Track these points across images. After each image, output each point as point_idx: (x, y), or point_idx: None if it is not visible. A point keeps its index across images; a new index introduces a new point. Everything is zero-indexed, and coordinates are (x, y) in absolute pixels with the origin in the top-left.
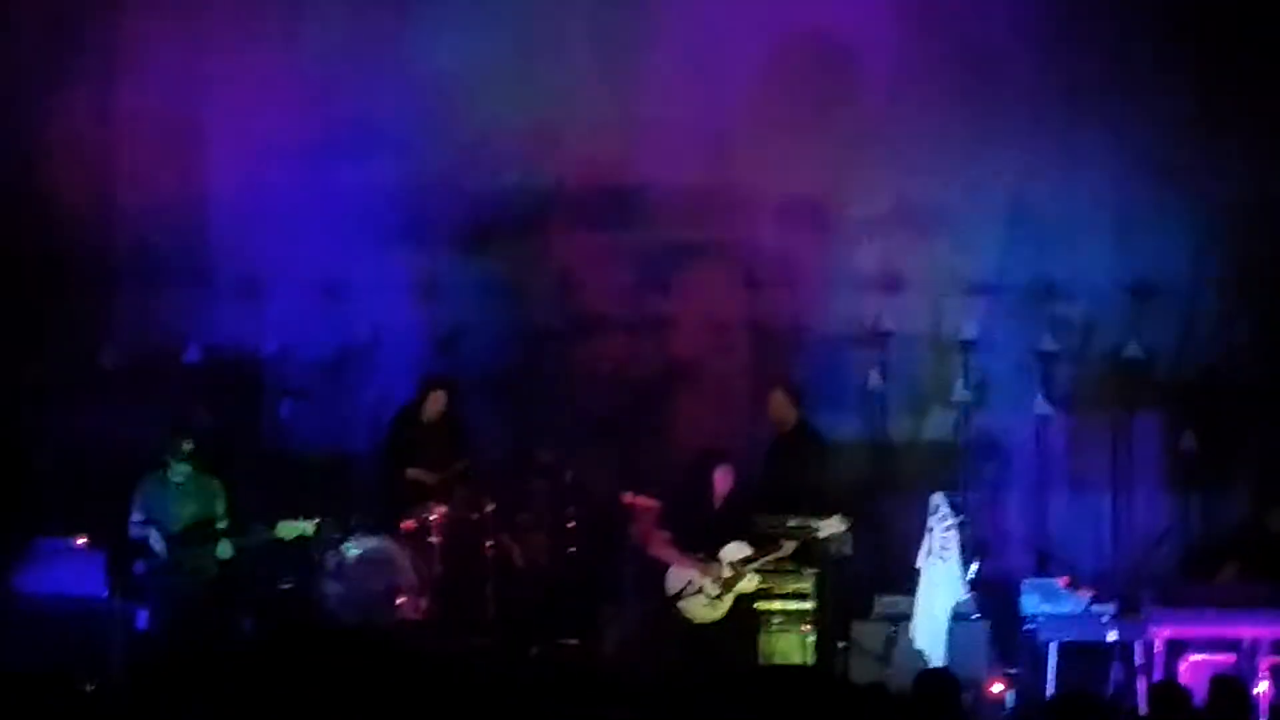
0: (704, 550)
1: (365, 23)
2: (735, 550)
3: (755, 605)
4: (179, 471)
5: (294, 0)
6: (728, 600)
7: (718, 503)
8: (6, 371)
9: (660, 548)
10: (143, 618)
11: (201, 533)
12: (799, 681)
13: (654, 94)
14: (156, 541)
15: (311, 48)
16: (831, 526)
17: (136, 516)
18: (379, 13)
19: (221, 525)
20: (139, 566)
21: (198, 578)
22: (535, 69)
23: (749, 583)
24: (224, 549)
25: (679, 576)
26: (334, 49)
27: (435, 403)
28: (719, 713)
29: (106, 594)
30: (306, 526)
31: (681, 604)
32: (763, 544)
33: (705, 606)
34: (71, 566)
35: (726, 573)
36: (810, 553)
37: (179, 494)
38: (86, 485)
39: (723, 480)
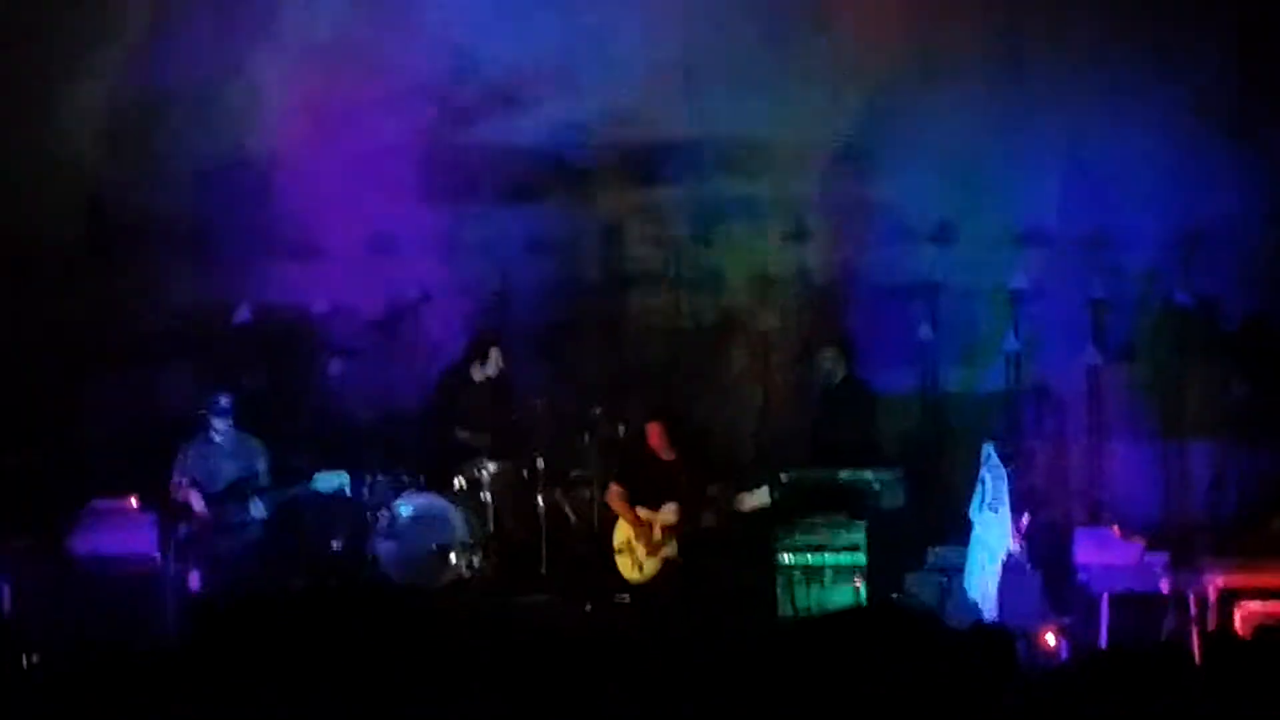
0: (647, 508)
1: None
2: (668, 513)
3: (689, 571)
4: (219, 431)
5: None
6: (652, 564)
7: (661, 459)
8: (59, 334)
9: (613, 500)
10: (194, 579)
11: (242, 492)
12: (854, 622)
13: (699, 46)
14: (197, 502)
15: (357, 6)
16: (756, 499)
17: (177, 478)
18: None
19: (263, 484)
20: (183, 528)
21: (241, 537)
22: (581, 23)
23: (672, 549)
24: (256, 508)
25: (620, 532)
26: (383, 6)
27: (493, 362)
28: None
29: (159, 555)
30: (343, 478)
31: (617, 560)
32: (692, 510)
33: (631, 568)
34: (124, 528)
35: (656, 535)
36: (860, 505)
37: (219, 453)
38: (138, 446)
39: (656, 436)
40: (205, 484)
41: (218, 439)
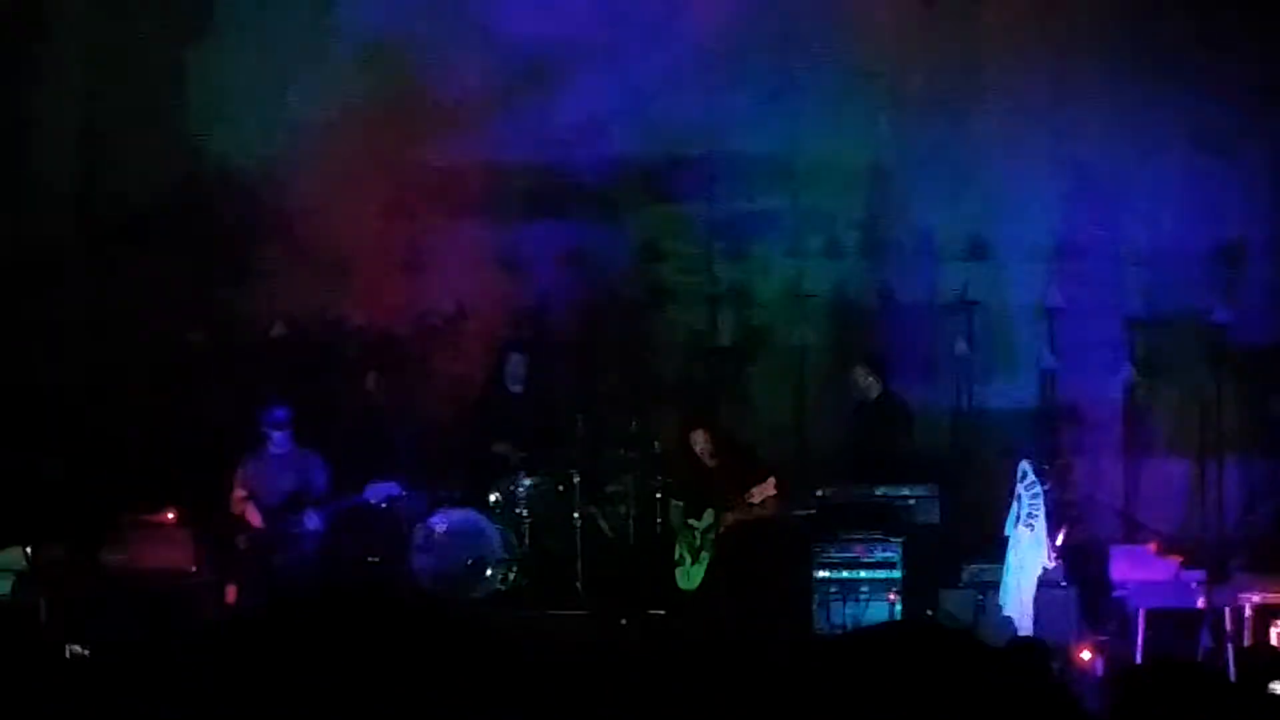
0: (690, 515)
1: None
2: (707, 517)
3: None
4: (277, 443)
5: None
6: (698, 570)
7: (704, 466)
8: (97, 351)
9: (699, 440)
10: (230, 592)
11: (299, 505)
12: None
13: (729, 65)
14: (254, 514)
15: (390, 22)
16: (764, 490)
17: (239, 492)
18: None
19: (319, 497)
20: (240, 541)
21: (295, 550)
22: (610, 41)
23: (710, 552)
24: (311, 520)
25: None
26: (415, 22)
27: (516, 365)
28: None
29: (194, 569)
30: (393, 488)
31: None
32: (731, 514)
33: (682, 576)
34: (160, 541)
35: (695, 540)
36: (895, 521)
37: (278, 466)
38: (175, 461)
39: (700, 443)
40: (263, 497)
41: (276, 451)
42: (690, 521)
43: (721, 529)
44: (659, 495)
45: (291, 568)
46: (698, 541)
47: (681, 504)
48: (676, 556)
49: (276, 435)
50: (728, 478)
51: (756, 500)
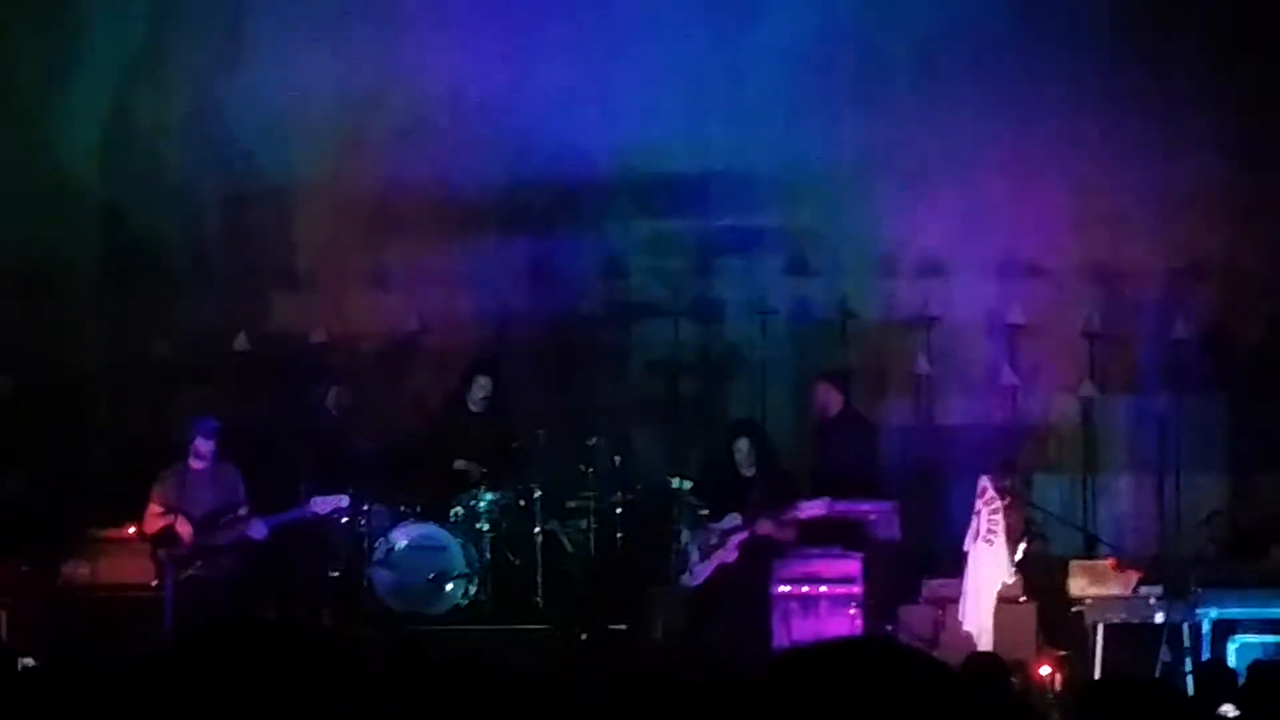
0: (712, 518)
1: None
2: (729, 520)
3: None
4: (201, 456)
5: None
6: (704, 571)
7: (741, 474)
8: (61, 364)
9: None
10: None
11: (226, 518)
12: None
13: (696, 81)
14: (184, 527)
15: (359, 40)
16: (812, 510)
17: (155, 508)
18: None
19: (242, 511)
20: (165, 556)
21: (225, 564)
22: (577, 58)
23: (729, 553)
24: (256, 530)
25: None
26: (383, 38)
27: (481, 388)
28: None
29: (155, 583)
30: (342, 500)
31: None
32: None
33: (686, 578)
34: (122, 556)
35: (713, 540)
36: (855, 536)
37: (200, 480)
38: (137, 475)
39: (741, 451)
40: (191, 510)
41: (199, 465)
42: (710, 524)
43: (747, 535)
44: (619, 510)
45: (231, 581)
46: (715, 540)
47: (701, 503)
48: (679, 550)
49: (203, 448)
50: (763, 488)
51: (804, 517)
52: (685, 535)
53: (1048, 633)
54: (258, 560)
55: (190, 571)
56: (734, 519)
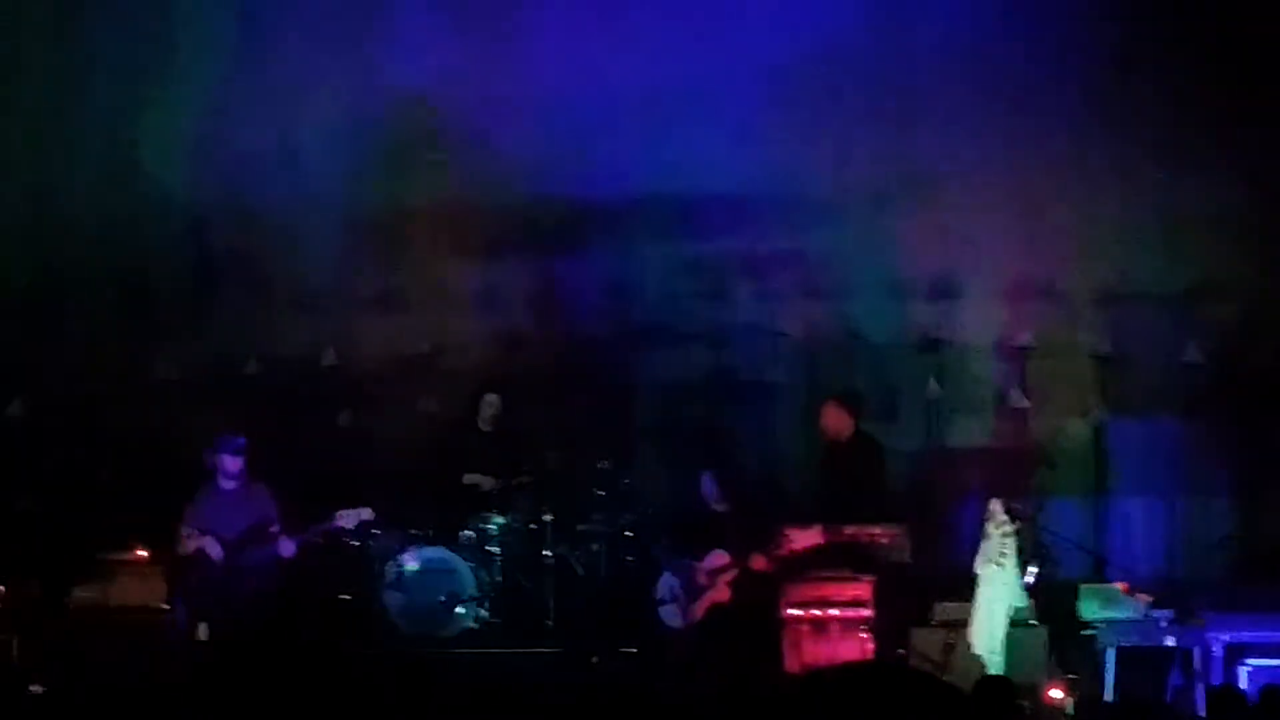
0: (692, 556)
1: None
2: (715, 559)
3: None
4: (230, 476)
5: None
6: (697, 609)
7: (710, 509)
8: (69, 384)
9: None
10: (204, 629)
11: (258, 538)
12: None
13: (707, 104)
14: (214, 549)
15: (364, 62)
16: (808, 539)
17: (187, 530)
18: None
19: (274, 529)
20: (195, 578)
21: (257, 584)
22: (587, 80)
23: (719, 592)
24: (286, 547)
25: (664, 582)
26: (391, 61)
27: (489, 407)
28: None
29: (167, 606)
30: (365, 513)
31: (660, 610)
32: (740, 555)
33: (675, 615)
34: (134, 578)
35: (702, 580)
36: (867, 560)
37: (231, 500)
38: (147, 497)
39: (709, 486)
40: (221, 532)
41: (228, 485)
42: (695, 563)
43: (739, 572)
44: (629, 534)
45: (261, 601)
46: (704, 580)
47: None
48: (666, 592)
49: (231, 466)
50: (735, 522)
51: (798, 547)
52: (664, 579)
53: (1059, 656)
54: (272, 583)
55: (216, 591)
56: (720, 557)
